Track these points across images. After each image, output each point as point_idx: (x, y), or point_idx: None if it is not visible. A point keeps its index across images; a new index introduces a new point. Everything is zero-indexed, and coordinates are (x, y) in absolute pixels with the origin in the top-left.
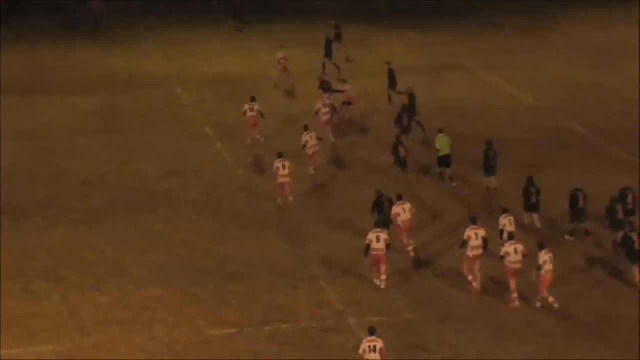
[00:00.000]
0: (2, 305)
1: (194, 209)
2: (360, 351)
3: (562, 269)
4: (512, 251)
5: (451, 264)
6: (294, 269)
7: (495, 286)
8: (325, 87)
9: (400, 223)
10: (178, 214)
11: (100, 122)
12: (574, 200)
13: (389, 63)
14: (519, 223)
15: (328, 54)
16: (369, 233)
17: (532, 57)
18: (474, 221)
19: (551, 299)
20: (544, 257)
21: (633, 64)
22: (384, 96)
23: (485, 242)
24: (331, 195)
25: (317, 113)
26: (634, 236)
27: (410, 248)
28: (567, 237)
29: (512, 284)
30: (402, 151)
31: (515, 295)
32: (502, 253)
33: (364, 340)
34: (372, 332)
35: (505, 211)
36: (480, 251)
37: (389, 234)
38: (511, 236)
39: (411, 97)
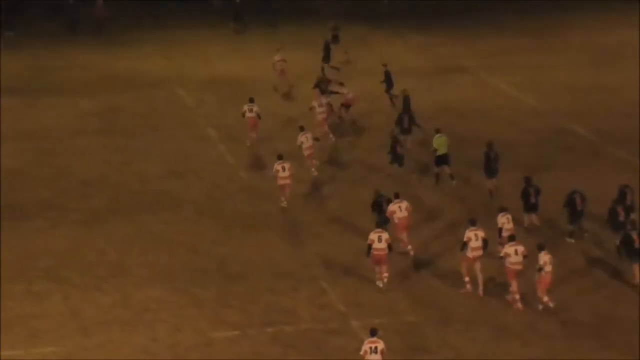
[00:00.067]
0: (3, 305)
1: (195, 209)
2: (362, 352)
3: (563, 269)
4: (513, 252)
5: (452, 264)
6: (295, 269)
7: (495, 287)
8: (322, 86)
9: (396, 221)
10: (179, 215)
11: (101, 122)
12: (571, 202)
13: (385, 65)
14: (518, 224)
15: (326, 57)
16: (371, 233)
17: (533, 58)
18: (473, 222)
19: (545, 298)
20: (544, 258)
21: (634, 65)
22: (384, 96)
23: (485, 243)
24: (331, 196)
25: (311, 109)
26: (634, 234)
27: (409, 247)
28: (567, 239)
29: (514, 286)
30: (399, 148)
31: (517, 297)
32: (502, 254)
33: (365, 341)
34: (373, 333)
35: (502, 210)
36: (481, 252)
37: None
38: (512, 237)
39: (406, 99)
